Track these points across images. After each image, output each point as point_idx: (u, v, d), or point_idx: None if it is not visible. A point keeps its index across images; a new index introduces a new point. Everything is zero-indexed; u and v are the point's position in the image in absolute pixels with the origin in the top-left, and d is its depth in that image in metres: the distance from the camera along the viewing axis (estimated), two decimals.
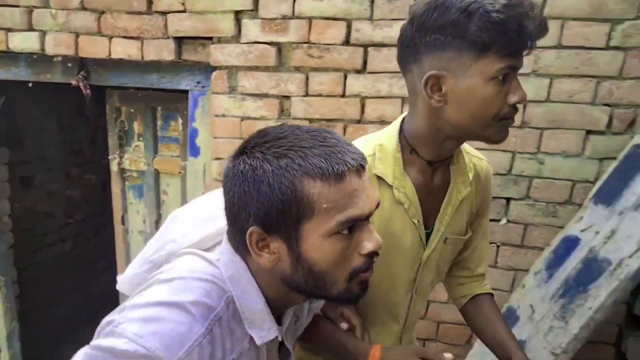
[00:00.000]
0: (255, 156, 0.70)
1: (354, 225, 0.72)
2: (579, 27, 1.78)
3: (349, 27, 1.97)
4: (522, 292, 1.95)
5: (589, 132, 1.87)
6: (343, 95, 2.03)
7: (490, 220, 2.02)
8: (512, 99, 0.91)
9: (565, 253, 1.86)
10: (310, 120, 2.07)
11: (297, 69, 2.05)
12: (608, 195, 1.79)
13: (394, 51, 1.91)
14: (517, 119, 1.91)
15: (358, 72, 2.00)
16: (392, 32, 1.93)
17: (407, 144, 1.05)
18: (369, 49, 1.97)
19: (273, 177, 0.69)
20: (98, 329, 0.77)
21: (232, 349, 0.76)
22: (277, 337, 0.82)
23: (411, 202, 1.05)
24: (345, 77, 2.02)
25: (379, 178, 1.04)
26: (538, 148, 1.93)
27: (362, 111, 2.03)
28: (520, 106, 1.98)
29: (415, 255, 1.10)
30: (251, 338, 0.79)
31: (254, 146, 0.71)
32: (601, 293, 1.62)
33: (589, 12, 1.76)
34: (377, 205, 0.75)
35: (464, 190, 1.10)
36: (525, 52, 0.90)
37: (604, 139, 1.86)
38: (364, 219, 0.72)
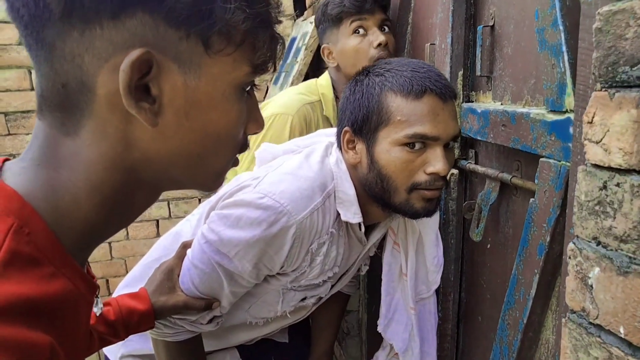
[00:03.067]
0: (365, 74, 0.88)
1: (426, 145, 0.82)
2: None
3: None
4: None
5: None
6: (32, 89, 2.28)
7: None
8: (373, 41, 1.31)
9: None
10: (6, 114, 2.28)
11: None
12: None
13: None
14: None
15: None
16: None
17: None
18: None
19: (366, 89, 0.85)
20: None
21: (331, 225, 0.89)
22: (364, 241, 0.97)
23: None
24: (30, 73, 2.26)
25: (327, 118, 1.38)
26: None
27: None
28: None
29: None
30: (341, 225, 0.92)
31: (370, 68, 0.89)
32: None
33: None
34: (455, 137, 0.85)
35: None
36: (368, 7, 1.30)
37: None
38: (431, 139, 0.81)
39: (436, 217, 1.02)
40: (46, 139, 0.44)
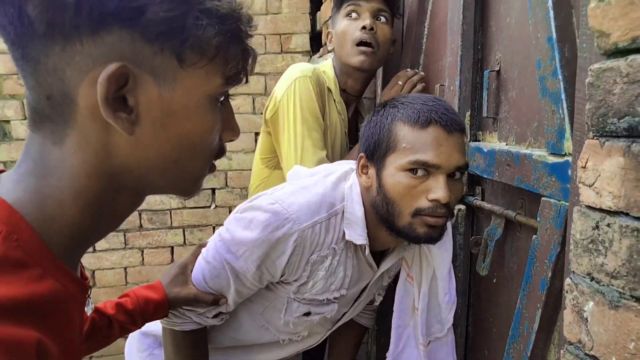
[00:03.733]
0: (383, 106, 0.96)
1: (429, 172, 0.86)
2: None
3: None
4: None
5: (257, 133, 2.54)
6: None
7: (202, 207, 2.63)
8: (360, 24, 1.35)
9: None
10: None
11: (12, 96, 2.34)
12: None
13: None
14: None
15: None
16: None
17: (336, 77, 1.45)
18: None
19: (380, 118, 0.92)
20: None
21: (333, 242, 0.95)
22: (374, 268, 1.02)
23: (344, 116, 1.47)
24: None
25: (329, 89, 1.42)
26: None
27: None
28: None
29: (343, 154, 1.47)
30: (347, 243, 0.97)
31: (388, 102, 0.96)
32: None
33: None
34: (460, 168, 0.88)
35: None
36: None
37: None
38: (433, 167, 0.85)
39: (449, 253, 1.05)
40: (39, 150, 0.47)
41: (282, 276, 0.95)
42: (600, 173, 0.57)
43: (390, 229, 0.92)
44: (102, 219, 0.51)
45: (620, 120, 0.54)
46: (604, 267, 0.57)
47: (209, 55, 0.48)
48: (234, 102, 2.50)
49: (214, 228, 2.64)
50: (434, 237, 0.90)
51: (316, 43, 2.51)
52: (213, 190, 2.61)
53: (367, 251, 0.99)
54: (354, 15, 1.37)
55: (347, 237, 0.95)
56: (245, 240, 0.90)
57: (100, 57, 0.44)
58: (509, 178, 0.96)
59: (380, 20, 1.38)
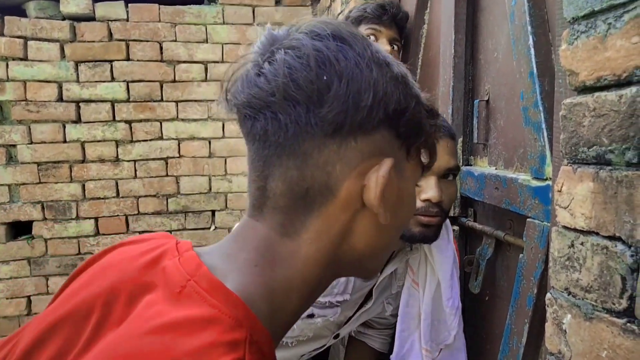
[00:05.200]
0: None
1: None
2: None
3: (60, 87, 2.40)
4: None
5: None
6: (65, 141, 2.46)
7: (202, 228, 2.68)
8: None
9: None
10: (39, 164, 2.45)
11: (20, 122, 2.41)
12: None
13: (101, 105, 2.40)
14: (206, 151, 2.57)
15: (74, 122, 2.45)
16: (97, 90, 2.42)
17: None
18: (81, 104, 2.43)
19: None
20: None
21: None
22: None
23: None
24: (64, 127, 2.44)
25: None
26: (225, 171, 2.61)
27: (84, 153, 2.48)
28: (206, 142, 2.60)
29: None
30: None
31: None
32: None
33: None
34: (450, 170, 0.94)
35: None
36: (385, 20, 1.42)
37: None
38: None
39: (450, 259, 1.09)
40: (263, 240, 0.47)
41: None
42: (574, 196, 0.64)
43: None
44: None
45: (589, 149, 0.61)
46: (579, 282, 0.63)
47: (425, 149, 0.53)
48: (236, 127, 2.58)
49: None
50: (428, 236, 0.95)
51: None
52: (213, 212, 2.67)
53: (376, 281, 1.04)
54: (372, 38, 1.45)
55: None
56: None
57: (367, 153, 0.47)
58: (498, 200, 1.02)
59: (393, 48, 1.47)
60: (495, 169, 1.10)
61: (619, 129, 0.57)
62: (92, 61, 2.42)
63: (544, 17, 0.90)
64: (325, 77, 0.44)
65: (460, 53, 1.20)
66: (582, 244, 0.62)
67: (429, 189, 0.92)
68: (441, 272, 1.09)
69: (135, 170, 2.53)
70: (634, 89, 0.55)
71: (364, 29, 1.47)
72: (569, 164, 0.65)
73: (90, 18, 2.42)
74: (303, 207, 0.47)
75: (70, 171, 2.49)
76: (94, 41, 2.42)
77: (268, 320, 0.44)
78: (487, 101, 1.14)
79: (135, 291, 0.45)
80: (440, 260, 1.08)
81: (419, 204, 0.92)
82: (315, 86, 0.44)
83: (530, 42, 0.89)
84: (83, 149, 2.48)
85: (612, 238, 0.58)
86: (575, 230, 0.64)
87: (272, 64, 0.45)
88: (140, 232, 2.57)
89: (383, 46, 1.41)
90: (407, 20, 1.53)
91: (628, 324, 0.55)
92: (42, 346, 0.45)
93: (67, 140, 2.46)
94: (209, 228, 2.69)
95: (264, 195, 0.48)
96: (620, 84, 0.57)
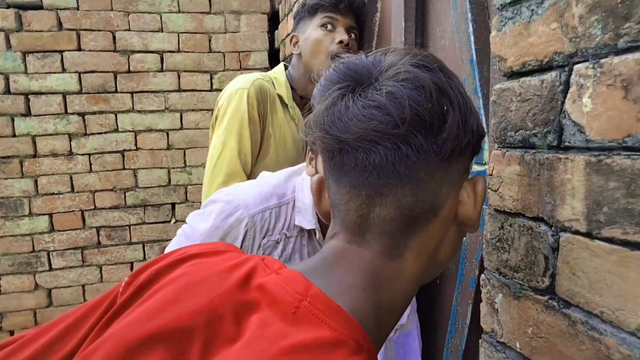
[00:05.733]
0: None
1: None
2: (190, 77, 2.45)
3: (6, 79, 2.30)
4: None
5: None
6: (14, 135, 2.36)
7: (162, 222, 2.63)
8: (337, 37, 1.42)
9: None
10: None
11: None
12: None
13: (52, 97, 2.31)
14: (164, 143, 2.52)
15: (24, 115, 2.35)
16: (47, 82, 2.33)
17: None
18: (30, 96, 2.33)
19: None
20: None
21: (284, 228, 1.03)
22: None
23: (299, 120, 1.52)
24: (13, 120, 2.35)
25: (279, 97, 1.48)
26: (185, 163, 2.57)
27: (35, 148, 2.39)
28: (164, 134, 2.53)
29: (295, 158, 1.55)
30: (301, 231, 1.04)
31: None
32: None
33: (194, 66, 2.44)
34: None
35: None
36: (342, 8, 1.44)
37: None
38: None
39: None
40: (369, 264, 0.49)
41: None
42: (503, 179, 0.65)
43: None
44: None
45: (516, 133, 0.63)
46: (508, 262, 0.65)
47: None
48: (195, 117, 2.54)
49: None
50: None
51: (274, 60, 2.58)
52: (173, 205, 2.62)
53: (319, 235, 1.05)
54: (329, 27, 1.43)
55: (296, 223, 1.03)
56: (202, 229, 0.98)
57: (461, 172, 0.52)
58: None
59: (351, 36, 1.46)
60: None
61: (541, 113, 0.58)
62: (41, 51, 2.33)
63: (483, 4, 0.92)
64: (445, 107, 0.48)
65: (410, 41, 1.21)
66: (510, 225, 0.64)
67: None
68: None
69: (90, 164, 2.46)
70: (553, 73, 0.56)
71: (320, 18, 1.46)
72: (499, 148, 0.67)
73: (38, 6, 2.32)
74: (409, 230, 0.49)
75: (21, 166, 2.40)
76: (42, 31, 2.32)
77: (375, 339, 0.46)
78: None
79: (239, 310, 0.46)
80: None
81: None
82: (437, 116, 0.47)
83: (470, 29, 0.91)
84: (34, 143, 2.39)
85: (536, 219, 0.59)
86: (504, 212, 0.65)
87: (388, 96, 0.46)
88: (97, 228, 2.51)
89: (341, 35, 1.41)
90: (364, 7, 1.53)
91: (549, 301, 0.57)
92: (143, 353, 0.44)
93: (17, 134, 2.36)
94: (170, 221, 2.64)
95: (367, 222, 0.49)
96: (542, 69, 0.58)
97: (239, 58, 2.55)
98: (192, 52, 2.48)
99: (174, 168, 2.57)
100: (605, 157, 0.49)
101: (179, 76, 2.48)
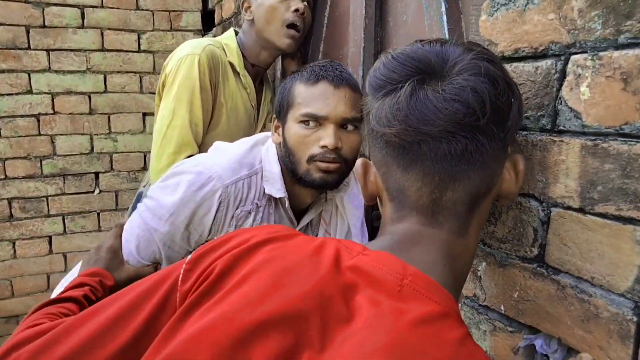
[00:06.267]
0: (290, 75, 1.06)
1: (320, 123, 0.96)
2: (114, 35, 2.26)
3: None
4: None
5: (145, 114, 2.43)
6: None
7: (84, 192, 2.45)
8: (292, 5, 1.36)
9: (136, 204, 2.39)
10: None
11: None
12: None
13: None
14: (86, 107, 2.32)
15: None
16: None
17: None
18: None
19: (286, 83, 1.04)
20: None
21: (256, 198, 1.03)
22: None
23: (251, 89, 1.48)
24: None
25: (231, 64, 1.43)
26: (109, 129, 2.40)
27: None
28: (85, 97, 2.33)
29: (247, 128, 1.52)
30: (268, 200, 1.05)
31: (294, 72, 1.05)
32: None
33: (119, 24, 2.25)
34: (344, 120, 0.96)
35: (270, 92, 1.65)
36: None
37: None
38: (321, 118, 0.95)
39: (361, 210, 1.17)
40: (445, 243, 0.54)
41: (209, 234, 1.00)
42: None
43: (294, 178, 1.01)
44: None
45: None
46: (494, 234, 0.70)
47: None
48: (120, 80, 2.36)
49: (98, 215, 2.48)
50: (329, 181, 0.99)
51: (208, 21, 2.45)
52: (96, 174, 2.45)
53: (287, 204, 1.06)
54: None
55: (266, 192, 1.03)
56: (171, 203, 0.95)
57: (506, 153, 0.57)
58: None
59: (305, 4, 1.42)
60: None
61: (535, 98, 0.63)
62: None
63: None
64: (512, 99, 0.53)
65: (370, 14, 1.22)
66: (497, 200, 0.70)
67: (326, 137, 0.95)
68: (352, 221, 1.16)
69: (0, 129, 2.21)
70: (549, 61, 0.61)
71: None
72: None
73: None
74: (473, 209, 0.55)
75: None
76: None
77: None
78: None
79: (344, 292, 0.49)
80: (351, 210, 1.14)
81: (317, 150, 0.96)
82: (506, 107, 0.53)
83: (443, 9, 0.94)
84: None
85: (525, 195, 0.65)
86: None
87: (469, 91, 0.50)
88: (9, 199, 2.28)
89: (297, 3, 1.38)
90: None
91: (538, 268, 0.64)
92: (248, 346, 0.45)
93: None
94: (93, 192, 2.47)
95: (439, 205, 0.54)
96: (537, 56, 0.63)
97: (170, 18, 2.39)
98: (117, 8, 2.28)
99: (97, 134, 2.38)
100: (602, 141, 0.55)
101: (102, 34, 2.27)
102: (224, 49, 1.43)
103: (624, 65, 0.52)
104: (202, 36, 2.44)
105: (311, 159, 0.96)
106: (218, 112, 1.40)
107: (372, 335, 0.45)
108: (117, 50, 2.30)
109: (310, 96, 0.96)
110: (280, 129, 1.03)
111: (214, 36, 2.29)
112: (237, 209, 1.00)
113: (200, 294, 0.52)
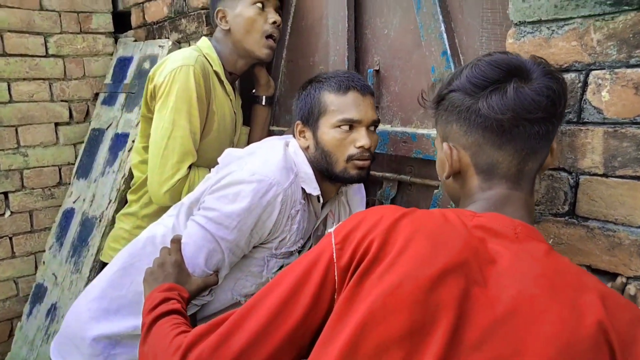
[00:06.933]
0: (309, 82, 1.20)
1: (352, 126, 1.12)
2: (17, 38, 2.05)
3: None
4: (44, 267, 2.24)
5: (57, 124, 2.23)
6: None
7: None
8: (270, 18, 1.45)
9: (67, 223, 2.23)
10: None
11: None
12: (84, 170, 2.24)
13: None
14: None
15: None
16: None
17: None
18: None
19: (309, 92, 1.18)
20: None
21: (300, 197, 1.13)
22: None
23: (232, 96, 1.55)
24: None
25: (216, 73, 1.47)
26: (18, 143, 2.15)
27: None
28: None
29: (231, 134, 1.58)
30: (304, 198, 1.16)
31: (313, 78, 1.21)
32: (95, 240, 2.05)
33: (22, 26, 2.05)
34: (373, 122, 1.15)
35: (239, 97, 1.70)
36: None
37: (70, 127, 2.28)
38: (356, 122, 1.12)
39: (363, 196, 1.35)
40: (525, 201, 0.76)
41: (268, 235, 1.09)
42: None
43: (329, 176, 1.16)
44: None
45: None
46: None
47: None
48: (28, 88, 2.14)
49: (10, 239, 2.21)
50: (363, 176, 1.17)
51: (120, 23, 2.34)
52: (5, 194, 2.18)
53: (322, 200, 1.20)
54: (260, 5, 1.46)
55: (307, 191, 1.15)
56: (237, 211, 1.03)
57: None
58: (406, 151, 1.30)
59: (279, 14, 1.51)
60: (391, 126, 1.38)
61: None
62: None
63: (447, 9, 1.19)
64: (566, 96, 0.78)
65: (351, 27, 1.40)
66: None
67: (362, 138, 1.12)
68: (356, 207, 1.34)
69: None
70: (573, 74, 0.87)
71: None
72: None
73: None
74: (537, 175, 0.78)
75: None
76: None
77: None
78: (377, 70, 1.39)
79: (480, 243, 0.67)
80: (356, 200, 1.32)
81: (354, 150, 1.13)
82: (566, 99, 0.77)
83: (442, 28, 1.17)
84: None
85: (556, 169, 0.92)
86: None
87: (552, 89, 0.72)
88: None
89: (273, 16, 1.47)
90: None
91: (569, 219, 0.91)
92: (435, 291, 0.61)
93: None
94: (3, 214, 2.19)
95: (522, 173, 0.75)
96: (562, 70, 0.89)
97: (79, 19, 2.22)
98: (18, 7, 2.05)
99: (3, 150, 2.13)
100: (620, 127, 0.83)
101: (1, 37, 2.03)
102: (207, 59, 1.47)
103: (635, 78, 0.80)
104: (115, 39, 2.33)
105: (350, 159, 1.13)
106: (210, 121, 1.45)
107: (526, 267, 0.65)
108: (22, 55, 2.08)
109: (344, 104, 1.12)
110: (309, 134, 1.16)
111: (135, 40, 2.22)
112: (292, 209, 1.11)
113: (369, 263, 0.65)
